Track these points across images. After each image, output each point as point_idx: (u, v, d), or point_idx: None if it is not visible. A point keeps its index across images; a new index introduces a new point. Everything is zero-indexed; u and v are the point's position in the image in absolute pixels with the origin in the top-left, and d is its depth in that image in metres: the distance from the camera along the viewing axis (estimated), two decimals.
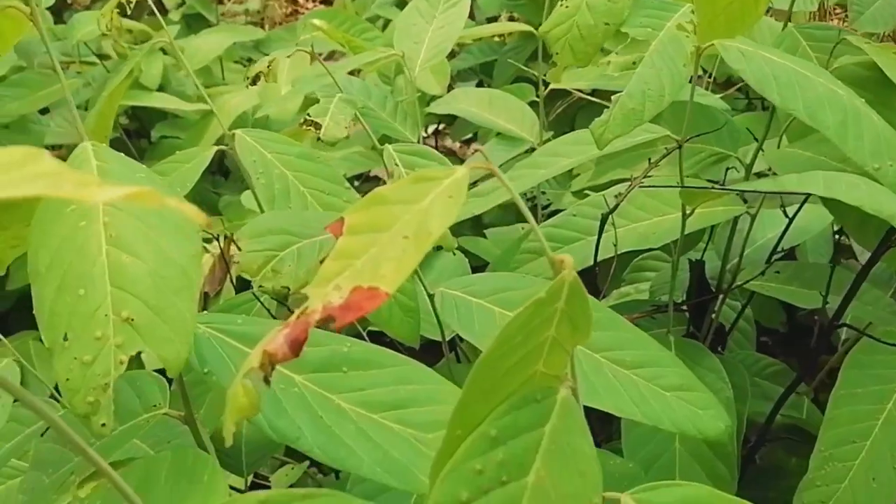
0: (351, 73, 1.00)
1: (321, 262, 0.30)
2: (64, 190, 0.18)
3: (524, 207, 0.32)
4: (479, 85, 1.69)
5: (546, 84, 1.06)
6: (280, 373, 0.47)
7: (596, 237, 0.75)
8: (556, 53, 0.67)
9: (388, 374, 0.49)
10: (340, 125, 0.60)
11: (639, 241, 0.77)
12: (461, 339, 0.94)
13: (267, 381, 0.29)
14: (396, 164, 0.62)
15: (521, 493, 0.30)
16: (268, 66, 0.67)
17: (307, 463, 0.98)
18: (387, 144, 0.64)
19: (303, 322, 0.28)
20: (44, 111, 1.49)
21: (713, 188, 0.69)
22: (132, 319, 0.38)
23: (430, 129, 1.71)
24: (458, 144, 1.83)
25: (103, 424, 0.37)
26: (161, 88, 1.51)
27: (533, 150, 1.08)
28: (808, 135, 0.76)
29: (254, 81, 0.69)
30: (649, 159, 0.71)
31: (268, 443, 0.89)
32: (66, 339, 0.37)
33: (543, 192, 1.25)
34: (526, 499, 0.30)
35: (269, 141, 0.70)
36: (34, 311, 0.39)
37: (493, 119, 1.05)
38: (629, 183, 0.78)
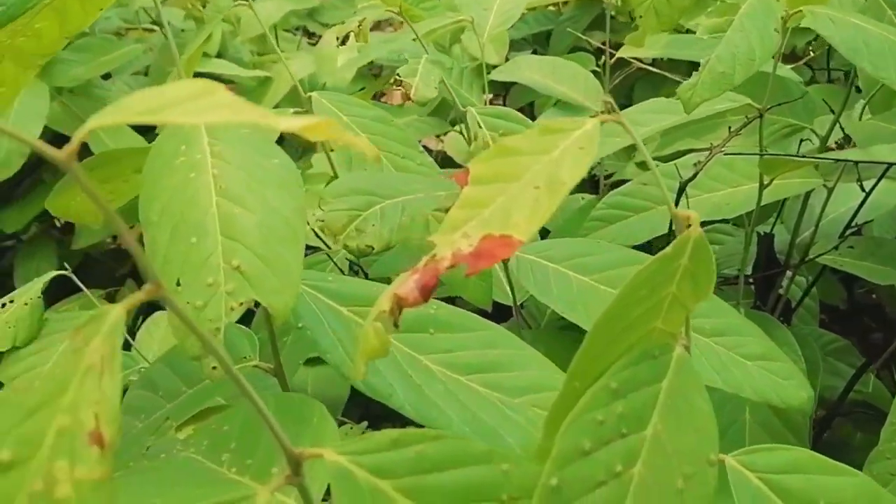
0: None
1: (445, 210, 0.30)
2: (249, 118, 0.19)
3: (646, 153, 0.32)
4: (535, 55, 1.67)
5: (612, 53, 1.04)
6: None
7: (667, 207, 0.75)
8: (640, 17, 0.66)
9: (474, 338, 0.50)
10: (430, 86, 0.60)
11: (712, 211, 0.76)
12: (522, 306, 0.94)
13: (396, 324, 0.29)
14: (480, 127, 0.62)
15: (639, 446, 0.30)
16: (358, 26, 0.67)
17: (365, 424, 0.99)
18: (469, 107, 0.64)
19: (432, 268, 0.29)
20: (105, 77, 1.51)
21: (796, 157, 0.68)
22: (242, 268, 0.39)
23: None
24: None
25: (214, 367, 0.38)
26: (218, 55, 1.53)
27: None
28: (893, 107, 0.74)
29: (343, 41, 0.69)
30: (729, 128, 0.69)
31: (331, 403, 0.91)
32: (178, 284, 0.38)
33: (600, 163, 1.23)
34: (645, 451, 0.30)
35: (346, 104, 0.70)
36: (148, 256, 0.40)
37: (557, 87, 1.03)
38: (699, 152, 0.77)
